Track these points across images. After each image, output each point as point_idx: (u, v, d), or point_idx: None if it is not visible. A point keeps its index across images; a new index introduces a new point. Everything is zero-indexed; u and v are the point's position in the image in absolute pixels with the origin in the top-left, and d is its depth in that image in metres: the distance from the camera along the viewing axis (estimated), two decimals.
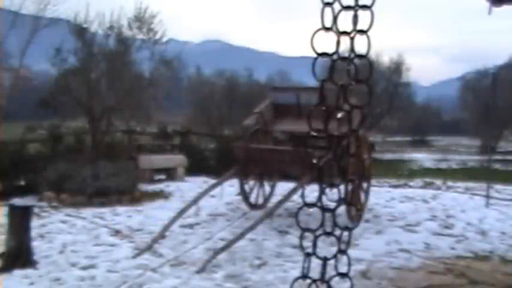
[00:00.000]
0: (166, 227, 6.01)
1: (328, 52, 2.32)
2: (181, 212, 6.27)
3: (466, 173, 16.13)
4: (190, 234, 6.28)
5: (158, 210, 7.77)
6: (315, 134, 2.46)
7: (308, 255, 2.49)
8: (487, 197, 8.94)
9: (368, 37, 2.27)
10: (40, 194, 8.50)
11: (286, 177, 8.27)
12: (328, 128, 2.43)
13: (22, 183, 9.13)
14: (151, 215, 7.41)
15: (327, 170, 2.61)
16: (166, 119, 15.26)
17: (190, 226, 6.70)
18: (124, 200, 8.42)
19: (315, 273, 2.56)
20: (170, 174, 11.36)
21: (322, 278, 2.48)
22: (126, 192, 8.57)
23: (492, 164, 12.32)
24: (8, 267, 4.70)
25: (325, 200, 2.46)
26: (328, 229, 2.51)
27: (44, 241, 5.84)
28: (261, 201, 7.88)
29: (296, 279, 2.59)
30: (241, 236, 5.51)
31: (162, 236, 5.89)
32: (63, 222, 6.87)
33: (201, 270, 4.82)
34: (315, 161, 5.83)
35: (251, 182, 7.76)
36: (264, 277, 4.74)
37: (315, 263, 2.57)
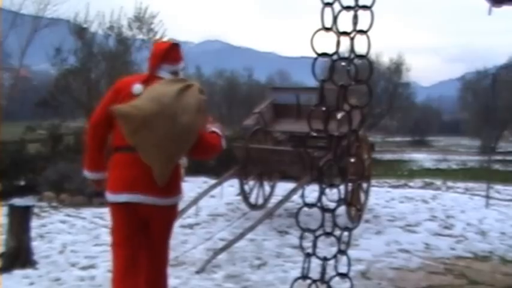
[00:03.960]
0: None
1: (328, 52, 2.32)
2: (181, 212, 6.26)
3: (465, 173, 16.14)
4: (190, 235, 6.28)
5: None
6: (315, 134, 2.46)
7: (308, 255, 2.49)
8: (487, 197, 8.94)
9: (368, 37, 2.27)
10: (40, 194, 8.49)
11: (286, 177, 8.27)
12: (328, 128, 2.43)
13: (22, 183, 9.13)
14: None
15: (327, 170, 2.62)
16: None
17: (190, 226, 6.71)
18: None
19: (314, 273, 2.57)
20: None
21: (322, 278, 2.49)
22: None
23: (492, 164, 12.33)
24: (7, 267, 4.70)
25: (325, 200, 2.47)
26: (328, 229, 2.51)
27: (43, 241, 5.84)
28: (261, 201, 7.87)
29: (296, 279, 2.60)
30: (241, 236, 5.50)
31: None
32: (63, 222, 6.87)
33: (201, 271, 4.82)
34: (315, 161, 5.83)
35: (251, 182, 7.75)
36: (264, 277, 4.74)
37: (315, 263, 2.57)
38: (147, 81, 3.11)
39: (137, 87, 3.07)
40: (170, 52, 3.19)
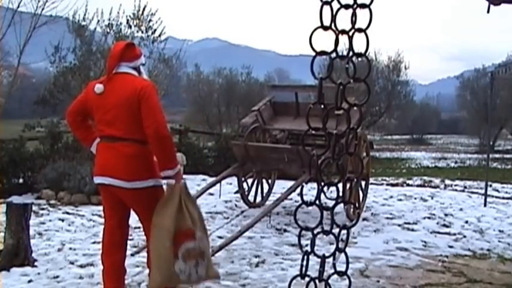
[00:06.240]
0: None
1: (326, 50, 2.32)
2: None
3: (464, 172, 16.16)
4: None
5: None
6: (313, 132, 2.46)
7: (306, 253, 2.49)
8: (485, 195, 8.95)
9: (366, 35, 2.27)
10: (38, 192, 8.49)
11: (285, 175, 8.27)
12: (327, 126, 2.44)
13: (21, 181, 9.12)
14: None
15: (325, 168, 2.62)
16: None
17: None
18: None
19: (313, 271, 2.57)
20: None
21: (321, 277, 2.49)
22: None
23: (490, 162, 12.33)
24: (6, 265, 4.70)
25: (323, 198, 2.47)
26: (327, 227, 2.51)
27: (42, 239, 5.84)
28: (259, 199, 7.88)
29: (294, 277, 2.60)
30: (239, 234, 5.51)
31: None
32: (62, 220, 6.87)
33: None
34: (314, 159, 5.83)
35: (249, 180, 7.76)
36: (263, 275, 4.75)
37: (313, 261, 2.58)
38: (107, 81, 3.54)
39: (98, 87, 3.54)
40: (126, 51, 3.58)
